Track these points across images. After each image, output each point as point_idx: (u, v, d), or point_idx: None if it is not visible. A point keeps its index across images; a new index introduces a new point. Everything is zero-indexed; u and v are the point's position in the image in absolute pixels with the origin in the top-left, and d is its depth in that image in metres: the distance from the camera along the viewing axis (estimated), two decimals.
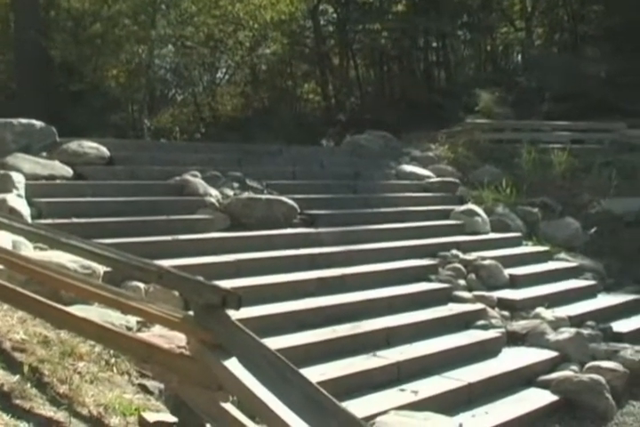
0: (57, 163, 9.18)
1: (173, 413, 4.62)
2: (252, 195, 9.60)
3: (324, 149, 16.34)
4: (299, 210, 9.63)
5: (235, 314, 4.12)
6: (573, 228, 12.05)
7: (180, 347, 4.67)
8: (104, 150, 9.81)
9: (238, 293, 4.00)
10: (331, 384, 5.66)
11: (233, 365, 3.85)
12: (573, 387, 6.81)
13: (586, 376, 6.94)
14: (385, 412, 5.52)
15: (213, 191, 9.48)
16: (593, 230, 12.05)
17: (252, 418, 4.07)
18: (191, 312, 4.23)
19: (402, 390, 6.22)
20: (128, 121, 21.68)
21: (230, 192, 9.65)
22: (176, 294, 6.20)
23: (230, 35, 23.77)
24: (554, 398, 6.77)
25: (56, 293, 5.56)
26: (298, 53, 26.51)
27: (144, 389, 5.19)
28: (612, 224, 12.28)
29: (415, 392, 6.14)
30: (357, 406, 5.58)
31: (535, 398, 6.73)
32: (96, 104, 19.15)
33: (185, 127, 23.19)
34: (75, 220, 7.87)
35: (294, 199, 9.66)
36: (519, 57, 28.61)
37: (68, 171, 9.13)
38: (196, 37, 22.07)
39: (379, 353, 6.70)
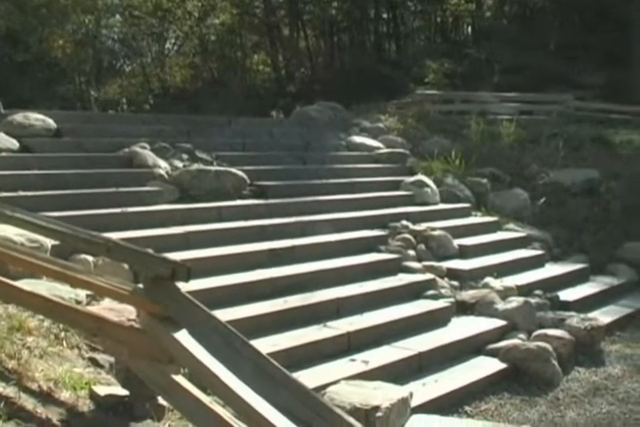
0: (2, 135, 9.00)
1: (124, 386, 4.61)
2: (201, 166, 9.52)
3: (274, 121, 16.30)
4: (248, 181, 9.58)
5: (184, 286, 4.11)
6: (522, 198, 12.18)
7: (129, 320, 4.66)
8: (50, 122, 9.65)
9: (187, 265, 3.99)
10: (282, 355, 5.67)
11: (183, 337, 3.85)
12: (521, 355, 6.91)
13: (533, 344, 7.05)
14: (336, 382, 5.55)
15: (162, 163, 9.39)
16: (541, 201, 12.18)
17: (203, 390, 4.07)
18: (141, 285, 4.21)
19: (352, 360, 6.25)
20: (75, 92, 21.42)
21: (179, 164, 9.57)
22: (125, 266, 6.17)
23: (179, 4, 23.53)
24: (502, 365, 6.86)
25: (3, 267, 5.49)
26: (247, 24, 26.33)
27: (94, 362, 5.17)
28: (559, 195, 12.43)
29: (366, 362, 6.18)
30: (308, 377, 5.61)
31: (484, 366, 6.82)
32: (42, 75, 18.89)
33: (133, 99, 22.98)
34: (21, 193, 7.73)
35: (244, 171, 9.61)
36: (469, 29, 28.72)
37: (14, 143, 8.97)
38: (144, 7, 21.81)
39: (329, 324, 6.73)
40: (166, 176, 9.12)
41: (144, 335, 4.21)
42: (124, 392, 4.56)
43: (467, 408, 6.12)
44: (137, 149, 9.50)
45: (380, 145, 13.01)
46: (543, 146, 13.95)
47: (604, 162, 13.32)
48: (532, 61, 19.90)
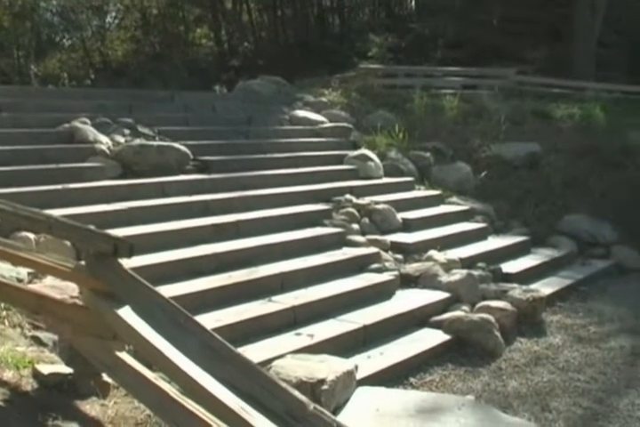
0: None
1: (68, 364, 4.58)
2: (143, 142, 9.40)
3: (217, 95, 16.17)
4: (191, 156, 9.50)
5: (128, 262, 4.08)
6: (464, 172, 12.27)
7: (72, 297, 4.62)
8: None
9: (130, 241, 3.97)
10: (227, 330, 5.70)
11: (126, 313, 3.83)
12: (464, 326, 7.00)
13: (476, 316, 7.15)
14: (281, 356, 5.57)
15: (104, 138, 9.27)
16: (483, 174, 12.30)
17: (148, 366, 4.07)
18: (83, 262, 4.17)
19: (298, 334, 6.28)
20: (13, 67, 21.01)
21: (121, 139, 9.45)
22: (67, 243, 6.11)
23: None
24: (446, 337, 6.94)
25: None
26: None
27: (37, 341, 5.12)
28: (501, 168, 12.56)
29: (311, 336, 6.21)
30: (254, 351, 5.63)
31: (428, 338, 6.90)
32: None
33: (74, 73, 22.63)
34: None
35: (187, 146, 9.53)
36: (413, 3, 28.70)
37: None
38: None
39: (274, 298, 6.74)
40: (108, 152, 9.00)
41: (87, 313, 4.18)
42: (68, 370, 4.53)
43: (411, 380, 6.19)
44: (78, 124, 9.36)
45: (323, 119, 13.00)
46: (486, 120, 14.05)
47: (546, 136, 13.47)
48: (475, 36, 19.99)
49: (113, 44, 26.08)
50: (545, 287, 8.71)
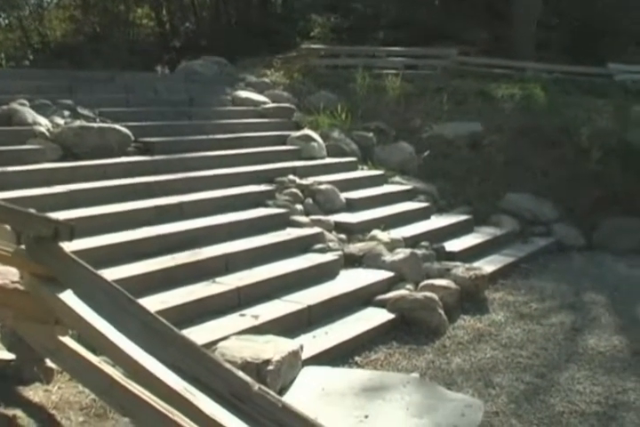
0: None
1: (10, 350, 4.54)
2: (83, 123, 9.26)
3: (159, 76, 16.01)
4: (133, 138, 9.39)
5: (70, 246, 4.04)
6: (407, 152, 12.32)
7: (13, 282, 4.55)
8: None
9: (71, 224, 3.92)
10: (172, 312, 5.68)
11: (68, 297, 3.80)
12: (408, 305, 7.06)
13: (420, 294, 7.21)
14: (227, 337, 5.58)
15: (43, 120, 9.12)
16: (425, 154, 12.37)
17: (91, 350, 4.04)
18: (23, 246, 4.12)
19: (242, 315, 6.28)
20: None
21: (61, 121, 9.30)
22: (7, 227, 6.01)
23: None
24: (390, 316, 7.00)
25: None
26: None
27: None
28: (443, 148, 12.62)
29: (256, 317, 6.23)
30: (199, 333, 5.63)
31: (373, 317, 6.94)
32: None
33: (12, 54, 22.19)
34: None
35: (128, 127, 9.41)
36: None
37: None
38: None
39: (218, 279, 6.74)
40: (47, 134, 8.86)
41: (28, 297, 4.13)
42: (11, 356, 4.50)
43: (357, 359, 6.24)
44: (16, 105, 9.19)
45: (266, 100, 12.95)
46: (428, 100, 14.11)
47: (487, 115, 13.57)
48: (417, 16, 19.99)
49: (52, 24, 25.55)
50: (487, 265, 8.82)
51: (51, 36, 25.08)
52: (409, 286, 7.64)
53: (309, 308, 6.66)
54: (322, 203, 9.38)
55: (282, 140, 11.37)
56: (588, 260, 10.16)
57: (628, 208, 11.27)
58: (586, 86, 15.76)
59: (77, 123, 9.27)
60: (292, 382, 5.40)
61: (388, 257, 8.05)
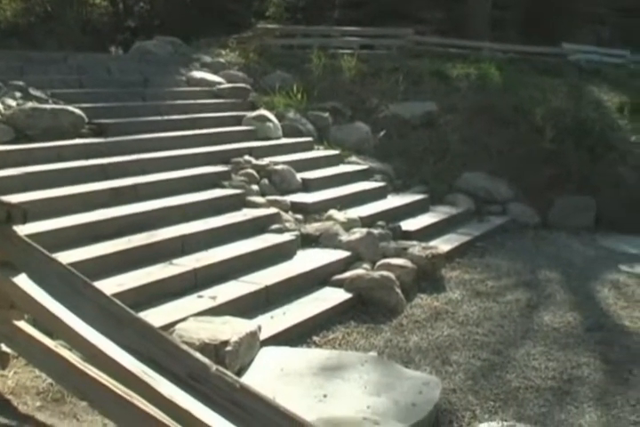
0: None
1: None
2: (36, 105, 9.11)
3: (112, 56, 15.84)
4: (87, 119, 9.26)
5: (24, 229, 3.99)
6: (363, 131, 12.33)
7: None
8: None
9: (24, 207, 3.88)
10: (129, 294, 5.65)
11: (23, 281, 3.76)
12: (366, 284, 7.09)
13: (377, 274, 7.23)
14: (184, 319, 5.56)
15: None
16: (381, 134, 12.39)
17: (48, 335, 4.01)
18: None
19: (200, 296, 6.27)
20: None
21: (12, 102, 9.14)
22: None
23: None
24: (348, 295, 7.02)
25: None
26: None
27: None
28: (399, 128, 12.64)
29: (213, 298, 6.21)
30: (157, 315, 5.62)
31: (330, 297, 6.96)
32: None
33: None
34: None
35: (81, 108, 9.28)
36: None
37: None
38: None
39: (175, 261, 6.70)
40: None
41: None
42: None
43: (315, 338, 6.25)
44: None
45: (221, 80, 12.85)
46: (384, 80, 14.10)
47: (443, 95, 13.61)
48: None
49: (1, 4, 25.11)
50: (444, 244, 8.88)
51: (0, 15, 24.62)
52: (366, 266, 7.66)
53: (267, 288, 6.66)
54: (278, 183, 9.36)
55: (237, 121, 11.30)
56: (544, 238, 10.28)
57: (582, 186, 11.43)
58: (540, 66, 15.89)
59: (29, 104, 9.11)
60: (250, 362, 5.40)
61: (344, 237, 8.07)
